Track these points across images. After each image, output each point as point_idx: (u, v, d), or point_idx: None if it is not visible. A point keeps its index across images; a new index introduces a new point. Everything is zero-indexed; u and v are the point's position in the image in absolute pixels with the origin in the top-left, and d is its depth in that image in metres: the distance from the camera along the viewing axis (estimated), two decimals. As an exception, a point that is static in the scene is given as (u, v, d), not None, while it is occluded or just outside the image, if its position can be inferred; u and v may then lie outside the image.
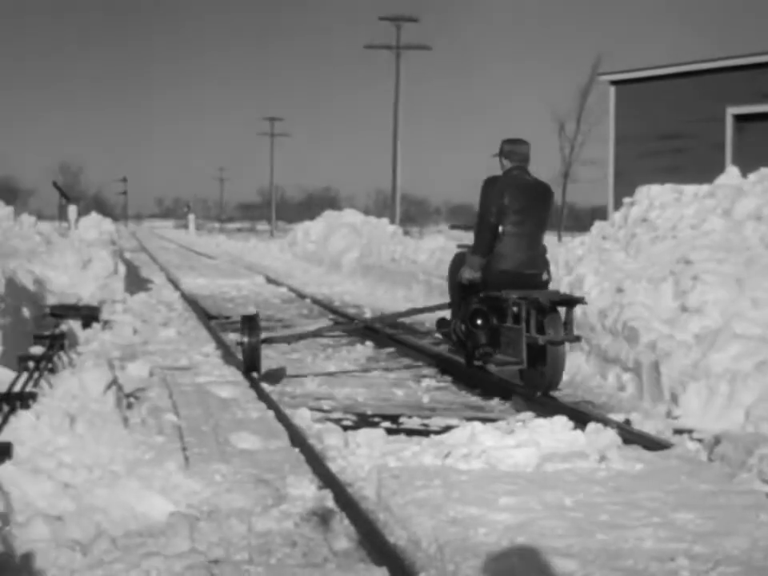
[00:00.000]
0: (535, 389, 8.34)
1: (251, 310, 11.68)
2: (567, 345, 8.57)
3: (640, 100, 29.73)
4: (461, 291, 8.95)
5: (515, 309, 8.35)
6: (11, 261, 13.91)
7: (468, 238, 9.48)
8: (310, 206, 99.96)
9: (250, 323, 9.20)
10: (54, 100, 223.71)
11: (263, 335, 9.41)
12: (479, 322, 8.45)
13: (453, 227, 12.41)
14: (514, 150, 8.88)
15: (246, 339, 9.12)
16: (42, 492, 5.06)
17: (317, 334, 10.88)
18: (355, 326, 11.68)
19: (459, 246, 9.68)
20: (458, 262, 9.19)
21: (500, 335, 8.50)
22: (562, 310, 8.50)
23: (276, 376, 9.47)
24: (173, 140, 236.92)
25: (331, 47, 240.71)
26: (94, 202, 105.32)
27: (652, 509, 5.03)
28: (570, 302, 8.52)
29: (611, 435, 6.42)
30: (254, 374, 9.09)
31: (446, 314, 9.58)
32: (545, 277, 8.78)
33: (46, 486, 5.11)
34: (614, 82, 30.89)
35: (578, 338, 8.71)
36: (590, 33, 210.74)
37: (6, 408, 6.21)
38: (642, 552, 4.41)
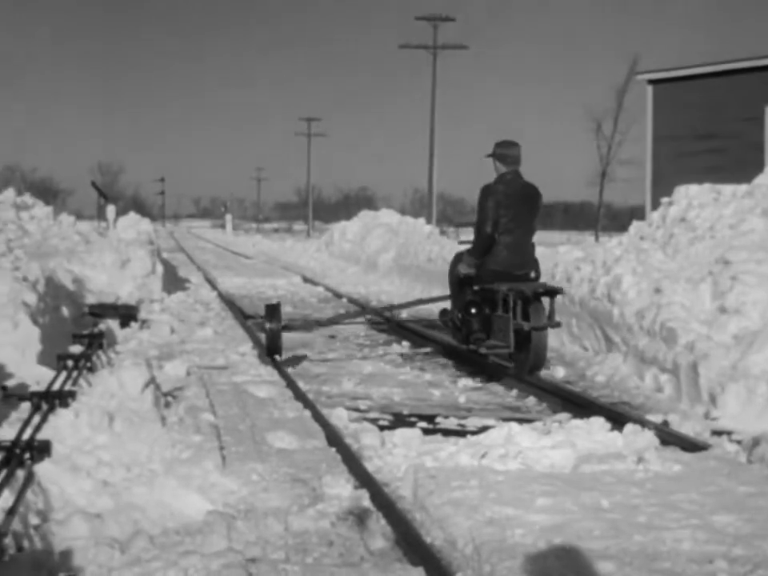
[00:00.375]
0: (522, 370, 9.16)
1: (273, 301, 12.62)
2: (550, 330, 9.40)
3: (678, 99, 29.56)
4: (459, 284, 9.88)
5: (504, 299, 9.17)
6: (51, 260, 14.02)
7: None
8: (347, 206, 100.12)
9: (272, 312, 10.36)
10: (93, 100, 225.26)
11: (283, 322, 10.60)
12: (473, 310, 9.43)
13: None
14: (507, 153, 9.56)
15: (268, 325, 10.30)
16: (81, 490, 5.10)
17: (332, 321, 11.95)
18: (366, 314, 13.06)
19: (460, 243, 10.58)
20: (456, 259, 10.03)
21: (492, 323, 9.37)
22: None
23: (303, 368, 9.54)
24: (210, 140, 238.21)
25: (368, 47, 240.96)
26: (132, 202, 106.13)
27: (690, 511, 5.00)
28: (552, 292, 9.29)
29: (649, 436, 6.38)
30: (276, 357, 10.14)
31: (448, 304, 10.43)
32: (532, 275, 9.51)
33: (84, 484, 5.15)
34: (651, 81, 30.74)
35: (558, 324, 9.45)
36: (628, 32, 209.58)
37: (45, 406, 6.27)
38: (680, 554, 4.38)
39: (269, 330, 10.28)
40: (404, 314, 14.96)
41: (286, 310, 16.00)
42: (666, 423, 7.30)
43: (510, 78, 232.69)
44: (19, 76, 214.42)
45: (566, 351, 11.29)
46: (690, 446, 6.49)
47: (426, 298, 12.27)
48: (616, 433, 6.39)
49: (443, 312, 10.44)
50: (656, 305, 9.50)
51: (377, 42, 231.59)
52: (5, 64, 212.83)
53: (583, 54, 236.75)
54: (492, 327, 9.34)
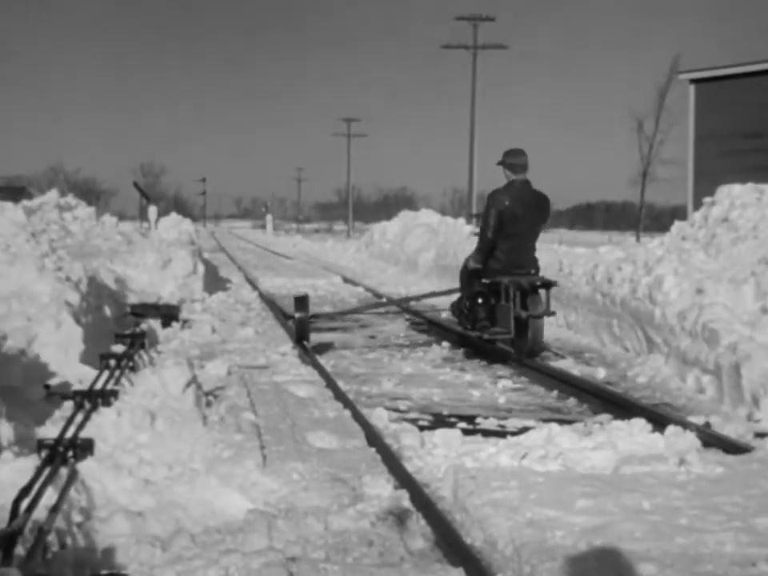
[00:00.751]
0: (521, 354, 10.27)
1: (302, 292, 13.60)
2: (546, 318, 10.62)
3: (720, 98, 29.33)
4: (468, 277, 10.99)
5: (506, 290, 10.34)
6: (93, 260, 14.14)
7: None
8: (387, 206, 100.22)
9: (301, 302, 11.55)
10: (135, 102, 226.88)
11: (311, 312, 11.96)
12: (480, 300, 10.64)
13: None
14: (515, 162, 10.58)
15: (297, 315, 11.49)
16: (123, 488, 5.15)
17: (355, 311, 14.30)
18: (384, 305, 15.11)
19: (474, 234, 11.99)
20: (468, 257, 11.20)
21: (495, 311, 10.53)
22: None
23: (343, 368, 9.56)
24: (251, 141, 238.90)
25: (408, 47, 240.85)
26: (173, 203, 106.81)
27: (732, 513, 4.95)
28: (548, 284, 10.44)
29: (691, 438, 6.34)
30: (305, 343, 11.18)
31: (456, 297, 11.63)
32: (531, 272, 10.61)
33: (126, 482, 5.19)
34: (693, 81, 30.53)
35: (552, 313, 10.65)
36: (669, 30, 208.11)
37: (88, 405, 6.33)
38: (722, 557, 4.35)
39: (297, 320, 11.48)
40: (444, 315, 14.96)
41: (326, 310, 16.06)
42: (708, 425, 7.24)
43: (550, 78, 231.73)
44: (61, 77, 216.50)
45: (607, 352, 11.24)
46: (733, 448, 6.44)
47: (438, 291, 13.73)
48: (657, 434, 6.35)
49: (452, 304, 11.65)
50: (698, 305, 9.43)
51: (417, 42, 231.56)
52: (47, 65, 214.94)
53: (624, 53, 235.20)
54: (495, 315, 10.52)
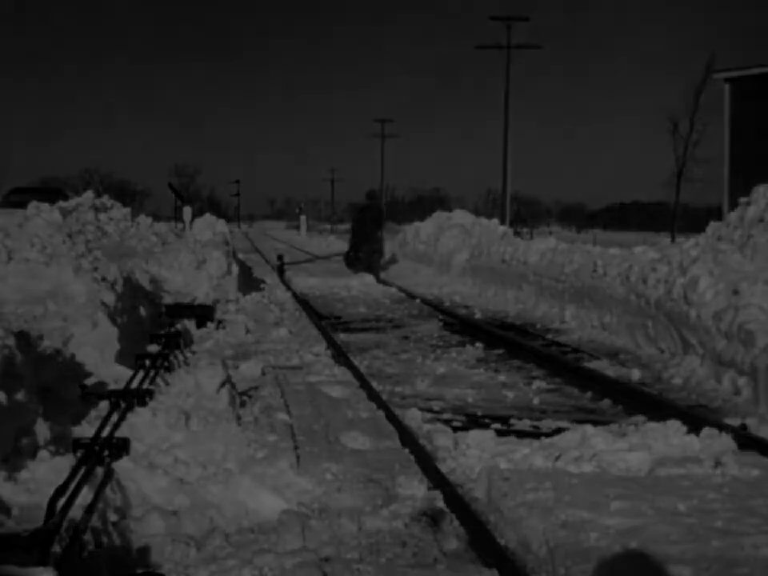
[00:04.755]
0: (373, 276, 22.65)
1: (282, 255, 26.65)
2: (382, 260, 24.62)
3: (757, 97, 29.11)
4: (351, 244, 25.20)
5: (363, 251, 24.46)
6: (129, 261, 14.21)
7: None
8: (421, 207, 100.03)
9: (280, 257, 25.41)
10: (170, 103, 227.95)
11: (286, 262, 25.80)
12: (351, 254, 24.87)
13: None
14: (369, 195, 25.48)
15: (278, 262, 24.64)
16: (158, 487, 5.17)
17: (309, 260, 27.54)
18: (317, 258, 30.33)
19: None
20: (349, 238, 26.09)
21: (360, 259, 24.35)
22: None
23: (376, 369, 9.59)
24: (285, 142, 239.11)
25: (441, 48, 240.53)
26: (208, 203, 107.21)
27: (769, 516, 4.91)
28: (378, 250, 24.08)
29: (726, 440, 6.30)
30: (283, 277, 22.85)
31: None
32: (374, 246, 23.77)
33: (161, 482, 5.21)
34: (728, 80, 30.31)
35: (381, 255, 24.69)
36: (705, 30, 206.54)
37: (123, 405, 6.36)
38: (758, 560, 4.31)
39: (278, 266, 24.49)
40: (478, 315, 14.95)
41: (360, 310, 16.11)
42: (743, 427, 7.19)
43: (584, 77, 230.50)
44: (96, 79, 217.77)
45: (641, 353, 11.19)
46: (769, 450, 6.39)
47: (340, 252, 27.24)
48: (693, 436, 6.32)
49: (344, 256, 25.67)
50: (734, 307, 9.37)
51: (450, 42, 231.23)
52: (81, 67, 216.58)
53: (660, 52, 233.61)
54: (363, 261, 23.74)
